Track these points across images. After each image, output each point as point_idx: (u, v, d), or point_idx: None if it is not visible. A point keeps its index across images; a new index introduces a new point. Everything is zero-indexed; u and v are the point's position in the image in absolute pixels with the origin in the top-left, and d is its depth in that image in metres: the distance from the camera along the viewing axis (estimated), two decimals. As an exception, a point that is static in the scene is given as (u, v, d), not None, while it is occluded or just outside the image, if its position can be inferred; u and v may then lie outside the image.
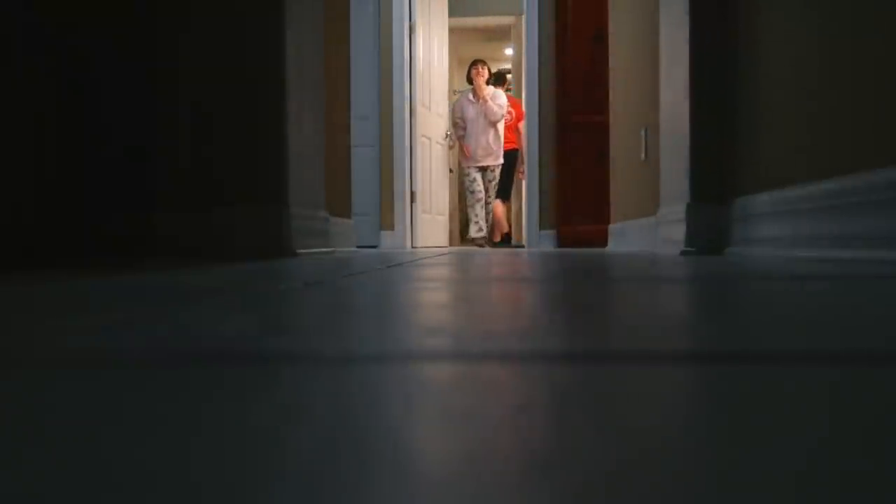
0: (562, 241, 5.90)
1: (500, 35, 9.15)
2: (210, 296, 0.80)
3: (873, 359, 0.39)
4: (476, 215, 6.88)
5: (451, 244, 8.25)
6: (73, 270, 1.48)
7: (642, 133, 3.66)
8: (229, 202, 2.47)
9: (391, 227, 6.25)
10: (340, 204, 3.61)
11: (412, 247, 6.30)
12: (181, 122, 2.49)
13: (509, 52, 9.51)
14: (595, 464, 0.20)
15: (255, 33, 2.47)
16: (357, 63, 5.88)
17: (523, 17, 6.41)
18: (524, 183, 6.48)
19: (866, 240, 1.60)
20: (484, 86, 6.67)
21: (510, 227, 7.78)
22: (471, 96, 6.76)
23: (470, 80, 6.80)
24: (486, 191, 6.84)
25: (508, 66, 10.10)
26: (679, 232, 2.74)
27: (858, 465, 0.20)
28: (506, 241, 7.62)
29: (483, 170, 6.87)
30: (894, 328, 0.50)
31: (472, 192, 6.85)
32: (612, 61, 4.62)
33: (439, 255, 2.93)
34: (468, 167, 6.87)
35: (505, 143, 7.86)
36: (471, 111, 6.77)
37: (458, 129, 6.80)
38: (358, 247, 5.69)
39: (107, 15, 2.48)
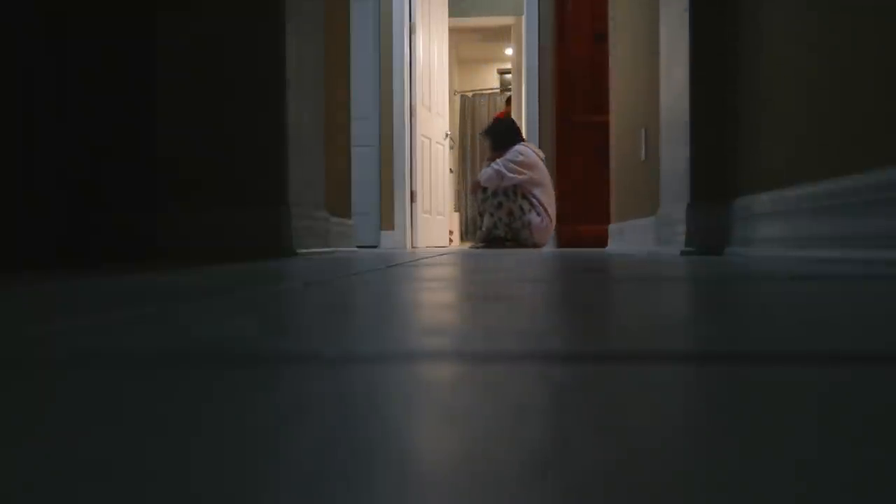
0: (561, 241, 5.90)
1: (500, 35, 9.15)
2: (210, 296, 0.80)
3: (874, 359, 0.39)
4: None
5: (450, 244, 8.25)
6: (72, 270, 1.48)
7: (642, 133, 3.66)
8: (229, 202, 2.47)
9: (391, 227, 6.25)
10: (340, 204, 3.61)
11: (412, 247, 6.30)
12: (181, 123, 2.49)
13: (509, 52, 9.51)
14: (593, 464, 0.20)
15: (255, 34, 2.48)
16: (357, 63, 5.88)
17: (523, 17, 6.41)
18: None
19: (867, 240, 1.60)
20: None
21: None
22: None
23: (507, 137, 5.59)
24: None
25: (508, 66, 10.11)
26: (679, 232, 2.74)
27: (858, 465, 0.20)
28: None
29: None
30: (894, 329, 0.50)
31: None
32: (612, 61, 4.62)
33: (439, 255, 2.93)
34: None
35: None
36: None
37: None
38: (358, 247, 5.68)
39: (109, 14, 2.48)
